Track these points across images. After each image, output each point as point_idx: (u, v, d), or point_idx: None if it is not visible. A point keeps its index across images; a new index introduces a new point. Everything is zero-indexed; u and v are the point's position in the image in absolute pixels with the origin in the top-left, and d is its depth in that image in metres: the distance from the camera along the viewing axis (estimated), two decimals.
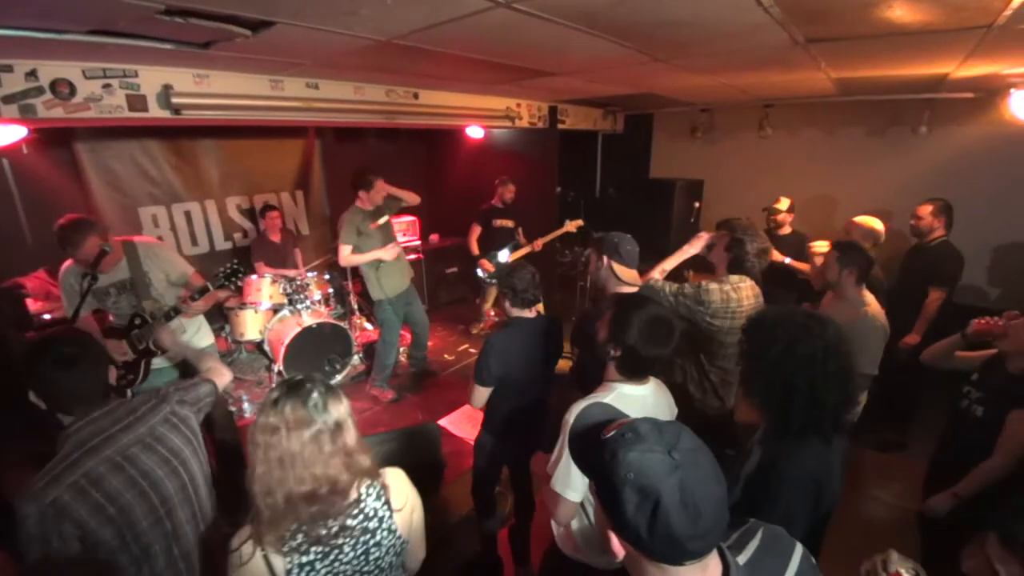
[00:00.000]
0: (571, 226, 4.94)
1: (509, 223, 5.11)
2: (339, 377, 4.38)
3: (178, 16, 1.79)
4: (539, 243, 5.01)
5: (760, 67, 3.08)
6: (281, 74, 3.06)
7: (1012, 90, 3.39)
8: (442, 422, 3.73)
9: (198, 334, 2.90)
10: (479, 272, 5.12)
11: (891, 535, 2.71)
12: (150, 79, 2.69)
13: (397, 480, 1.33)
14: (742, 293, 2.33)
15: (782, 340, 1.40)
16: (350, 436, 1.18)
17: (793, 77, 3.47)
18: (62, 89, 2.47)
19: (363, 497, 1.22)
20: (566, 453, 1.49)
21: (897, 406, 3.51)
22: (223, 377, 1.86)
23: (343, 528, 1.17)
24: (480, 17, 1.83)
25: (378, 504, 1.24)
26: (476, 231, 5.07)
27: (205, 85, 2.85)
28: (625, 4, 1.76)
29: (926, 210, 3.45)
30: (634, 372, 1.64)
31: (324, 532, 1.14)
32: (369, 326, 5.53)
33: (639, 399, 1.63)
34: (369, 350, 4.85)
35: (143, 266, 2.62)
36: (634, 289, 2.32)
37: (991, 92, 3.79)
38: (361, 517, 1.21)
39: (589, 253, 2.48)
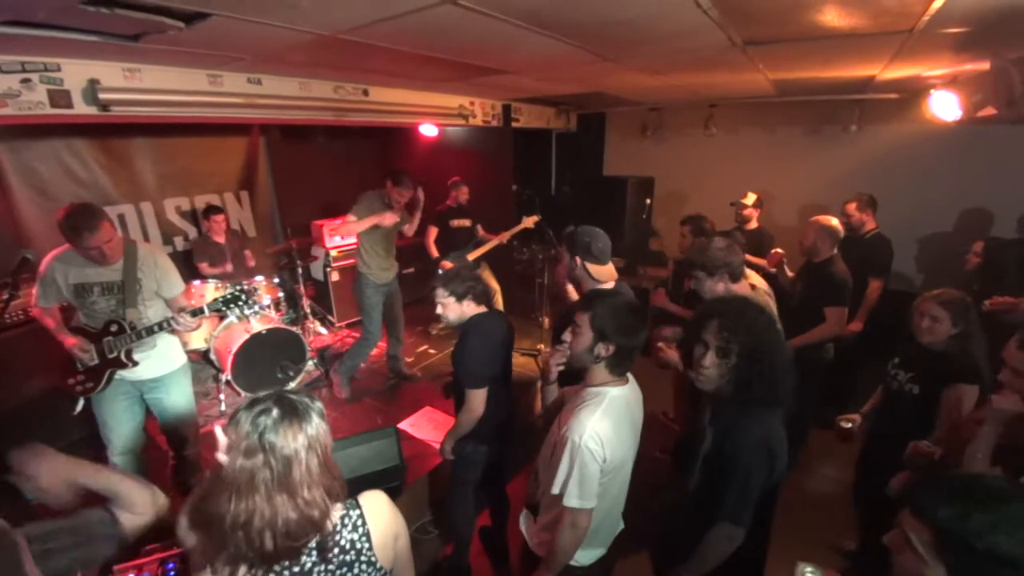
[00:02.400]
0: (528, 222, 4.88)
1: (467, 222, 5.05)
2: (292, 385, 4.25)
3: (103, 6, 1.68)
4: (505, 236, 4.92)
5: (703, 68, 3.19)
6: (220, 69, 2.93)
7: (932, 91, 3.64)
8: (402, 425, 3.68)
9: (173, 349, 2.76)
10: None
11: (834, 508, 2.89)
12: (74, 73, 2.50)
13: (376, 506, 1.20)
14: None
15: (746, 321, 1.56)
16: (302, 473, 1.02)
17: (735, 78, 3.60)
18: None
19: (338, 528, 1.12)
20: (576, 465, 1.53)
21: (842, 389, 3.72)
22: (135, 508, 1.23)
23: (315, 563, 1.08)
24: (426, 13, 1.80)
25: (355, 535, 1.14)
26: (433, 233, 4.96)
27: (136, 80, 2.69)
28: (568, 1, 1.78)
29: (852, 207, 3.68)
30: (622, 367, 1.67)
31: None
32: (323, 330, 5.39)
33: (624, 398, 1.67)
34: (323, 355, 4.73)
35: (138, 272, 2.48)
36: (610, 286, 2.30)
37: (914, 93, 4.06)
38: (337, 551, 1.11)
39: (561, 250, 2.44)
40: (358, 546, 1.14)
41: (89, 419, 2.60)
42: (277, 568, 1.04)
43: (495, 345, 2.27)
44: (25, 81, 2.38)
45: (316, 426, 1.06)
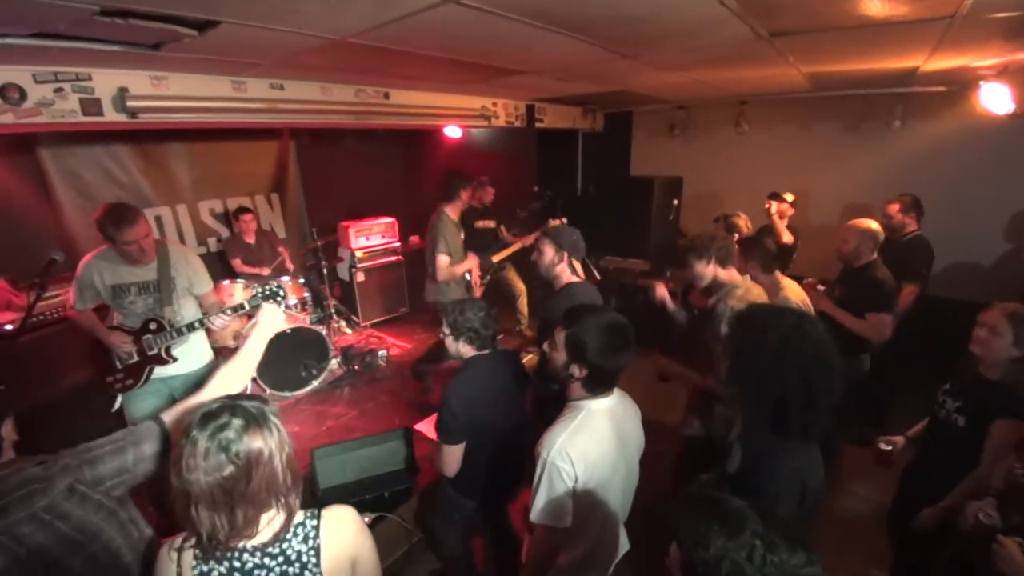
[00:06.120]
0: (555, 224, 4.81)
1: (491, 223, 5.01)
2: (315, 383, 4.32)
3: (117, 17, 1.73)
4: (530, 238, 4.77)
5: (729, 63, 3.06)
6: (242, 75, 2.99)
7: (981, 83, 3.39)
8: (419, 426, 3.66)
9: (203, 346, 2.83)
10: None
11: (868, 529, 2.71)
12: (104, 82, 2.61)
13: (337, 523, 1.13)
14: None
15: (774, 339, 1.33)
16: (263, 479, 1.00)
17: (765, 73, 3.45)
18: (11, 94, 2.38)
19: (288, 537, 1.07)
20: (544, 482, 1.48)
21: (873, 400, 3.51)
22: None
23: (257, 566, 1.04)
24: (430, 14, 1.78)
25: (304, 547, 1.08)
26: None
27: (163, 87, 2.77)
28: None
29: (894, 208, 3.46)
30: (601, 387, 1.59)
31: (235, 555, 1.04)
32: (348, 330, 5.47)
33: (607, 412, 1.59)
34: (347, 355, 4.79)
35: (171, 271, 2.58)
36: (580, 279, 2.48)
37: (962, 85, 3.80)
38: (281, 559, 1.05)
39: (542, 244, 2.46)
40: (304, 559, 1.07)
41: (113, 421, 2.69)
42: (218, 554, 1.02)
43: (487, 393, 2.00)
44: (58, 90, 2.49)
45: (276, 434, 1.05)
